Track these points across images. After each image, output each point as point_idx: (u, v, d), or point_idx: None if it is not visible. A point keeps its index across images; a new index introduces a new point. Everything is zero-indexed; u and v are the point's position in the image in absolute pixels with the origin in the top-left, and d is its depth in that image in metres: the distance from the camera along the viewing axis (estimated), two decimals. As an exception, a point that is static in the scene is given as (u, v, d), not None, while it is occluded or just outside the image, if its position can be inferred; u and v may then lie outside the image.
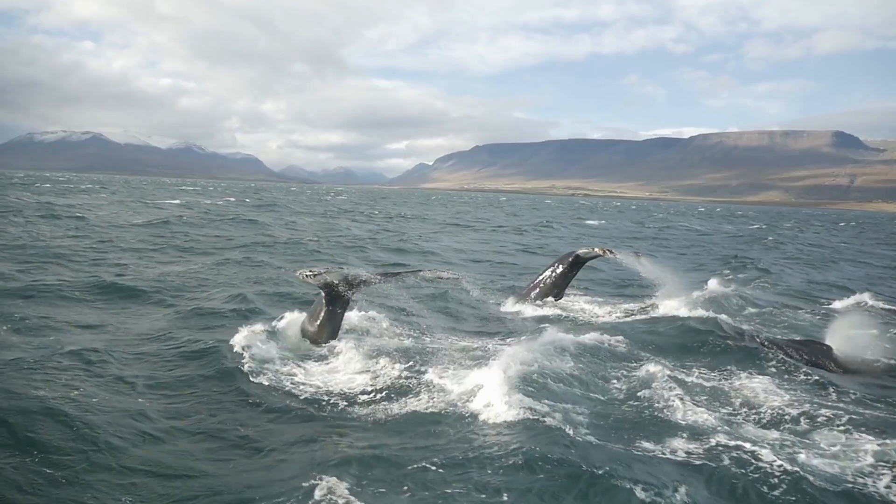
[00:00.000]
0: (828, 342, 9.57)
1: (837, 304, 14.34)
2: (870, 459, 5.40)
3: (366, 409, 6.40)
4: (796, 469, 5.02)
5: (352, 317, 9.70)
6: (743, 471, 5.00)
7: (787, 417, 6.41)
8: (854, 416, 6.38)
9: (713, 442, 5.54)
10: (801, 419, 6.34)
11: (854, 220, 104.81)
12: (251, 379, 7.12)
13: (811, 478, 4.91)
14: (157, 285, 12.54)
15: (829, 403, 6.92)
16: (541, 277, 13.40)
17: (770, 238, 39.35)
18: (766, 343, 9.39)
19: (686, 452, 5.37)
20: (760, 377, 7.75)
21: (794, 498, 4.68)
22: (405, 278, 8.77)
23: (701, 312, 11.39)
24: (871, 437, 5.85)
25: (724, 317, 11.15)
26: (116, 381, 6.83)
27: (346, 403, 6.55)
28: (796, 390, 7.34)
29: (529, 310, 12.19)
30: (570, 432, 5.52)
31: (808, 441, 5.77)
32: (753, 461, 5.14)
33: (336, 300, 8.51)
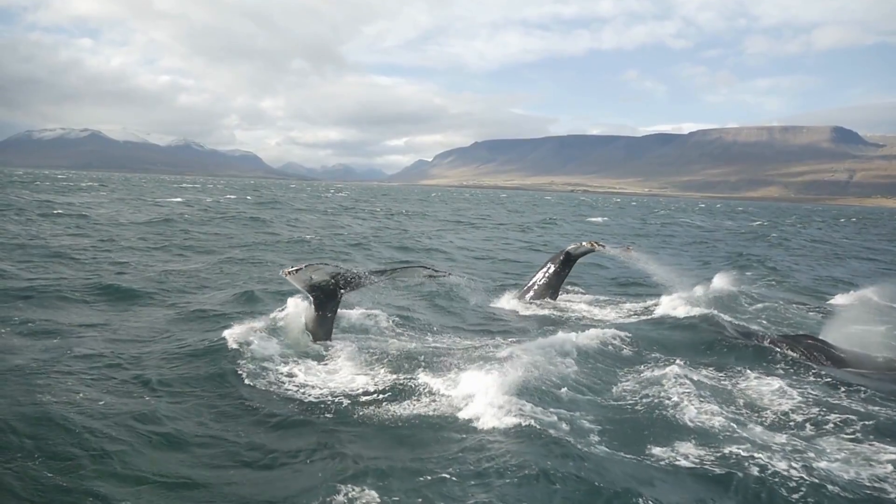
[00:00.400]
0: (822, 337, 9.49)
1: (839, 300, 14.27)
2: (889, 467, 5.32)
3: (369, 413, 6.27)
4: (813, 477, 4.94)
5: (352, 314, 9.60)
6: (761, 478, 4.91)
7: (797, 421, 6.35)
8: (865, 420, 6.33)
9: (727, 450, 5.41)
10: (811, 423, 6.29)
11: (854, 216, 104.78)
12: (253, 382, 7.01)
13: (830, 486, 4.82)
14: (158, 285, 12.47)
15: (840, 404, 6.85)
16: (535, 278, 13.22)
17: (773, 235, 39.30)
18: (758, 338, 9.25)
19: (700, 461, 5.27)
20: (769, 378, 7.65)
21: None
22: (397, 276, 8.38)
23: (705, 311, 11.27)
24: (883, 440, 5.79)
25: (727, 316, 11.07)
26: (121, 384, 6.76)
27: (347, 408, 6.40)
28: (805, 390, 7.25)
29: (529, 310, 12.04)
30: (581, 442, 5.43)
31: (818, 447, 5.69)
32: (770, 467, 5.05)
33: (325, 301, 8.15)
